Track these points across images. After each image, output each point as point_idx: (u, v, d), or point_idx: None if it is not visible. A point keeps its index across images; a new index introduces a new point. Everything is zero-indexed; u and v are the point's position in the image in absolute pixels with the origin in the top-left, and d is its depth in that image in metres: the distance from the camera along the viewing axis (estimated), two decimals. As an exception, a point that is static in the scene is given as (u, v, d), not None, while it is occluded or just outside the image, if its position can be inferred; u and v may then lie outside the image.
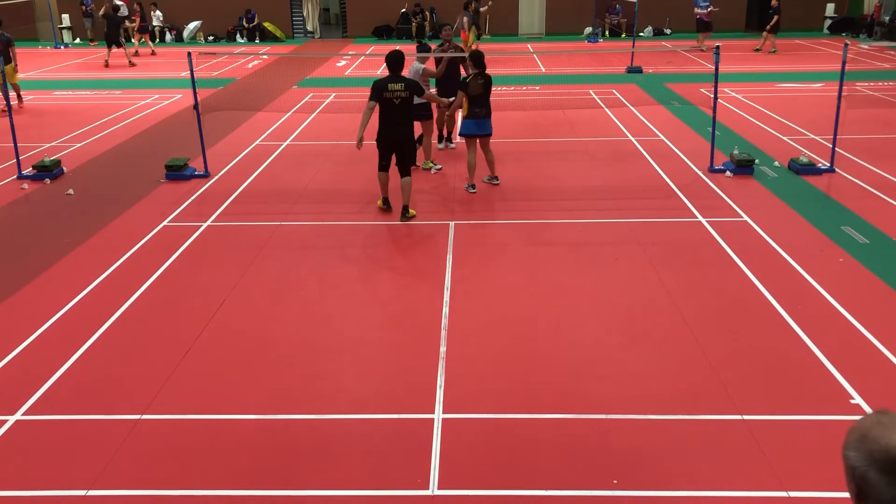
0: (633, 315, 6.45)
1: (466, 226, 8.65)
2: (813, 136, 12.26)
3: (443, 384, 5.41)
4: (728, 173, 10.29)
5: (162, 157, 11.12)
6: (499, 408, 5.14)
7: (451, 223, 8.68)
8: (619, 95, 15.99)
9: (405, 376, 5.58)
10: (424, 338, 6.10)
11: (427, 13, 27.47)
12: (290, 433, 4.95)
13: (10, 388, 5.48)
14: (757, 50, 22.38)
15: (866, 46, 23.28)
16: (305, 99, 16.26)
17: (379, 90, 8.51)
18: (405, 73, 9.29)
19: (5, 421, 5.09)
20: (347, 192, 9.87)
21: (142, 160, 11.58)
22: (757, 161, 10.56)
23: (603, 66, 20.28)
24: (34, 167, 10.72)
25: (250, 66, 21.64)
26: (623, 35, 26.60)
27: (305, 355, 5.91)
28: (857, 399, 5.13)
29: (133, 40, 23.81)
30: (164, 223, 8.82)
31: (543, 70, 20.42)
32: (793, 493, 4.29)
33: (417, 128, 9.76)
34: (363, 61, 22.45)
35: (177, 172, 10.55)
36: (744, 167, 10.30)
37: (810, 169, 10.32)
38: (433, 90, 11.12)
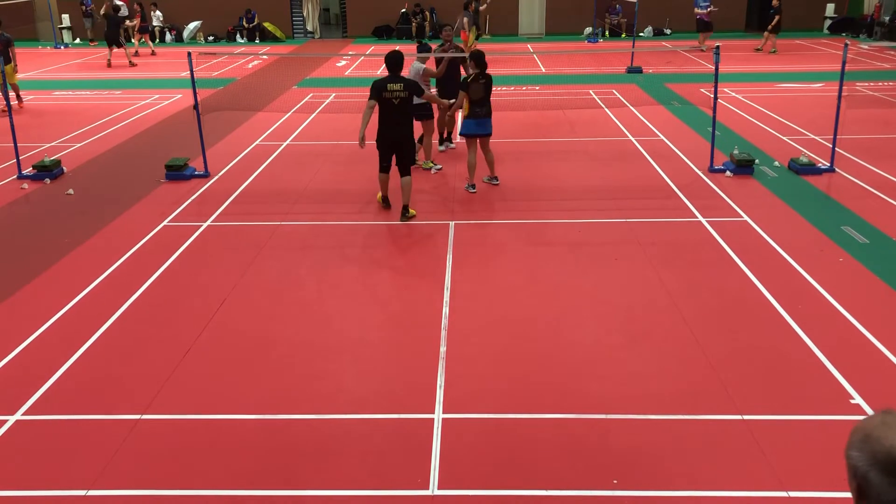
0: (633, 315, 6.45)
1: (466, 226, 8.65)
2: (813, 136, 12.26)
3: (443, 384, 5.41)
4: (728, 173, 10.29)
5: (162, 157, 11.12)
6: (499, 408, 5.14)
7: (451, 223, 8.68)
8: (619, 95, 15.99)
9: (405, 376, 5.58)
10: (424, 338, 6.10)
11: (427, 13, 27.47)
12: (290, 433, 4.95)
13: (10, 388, 5.48)
14: (758, 50, 22.38)
15: (866, 46, 23.28)
16: (305, 99, 16.27)
17: (378, 90, 8.51)
18: (406, 73, 9.29)
19: (5, 421, 5.09)
20: (347, 192, 9.87)
21: (142, 160, 11.58)
22: (757, 161, 10.56)
23: (603, 66, 20.28)
24: (34, 167, 10.72)
25: (250, 66, 21.64)
26: (623, 35, 26.60)
27: (305, 355, 5.91)
28: (857, 399, 5.13)
29: (133, 40, 23.82)
30: (164, 223, 8.82)
31: (543, 70, 20.42)
32: (793, 493, 4.29)
33: (418, 128, 9.78)
34: (363, 61, 22.46)
35: (177, 172, 10.55)
36: (744, 167, 10.30)
37: (810, 169, 10.32)
38: (434, 90, 11.12)
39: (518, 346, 5.97)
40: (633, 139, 12.35)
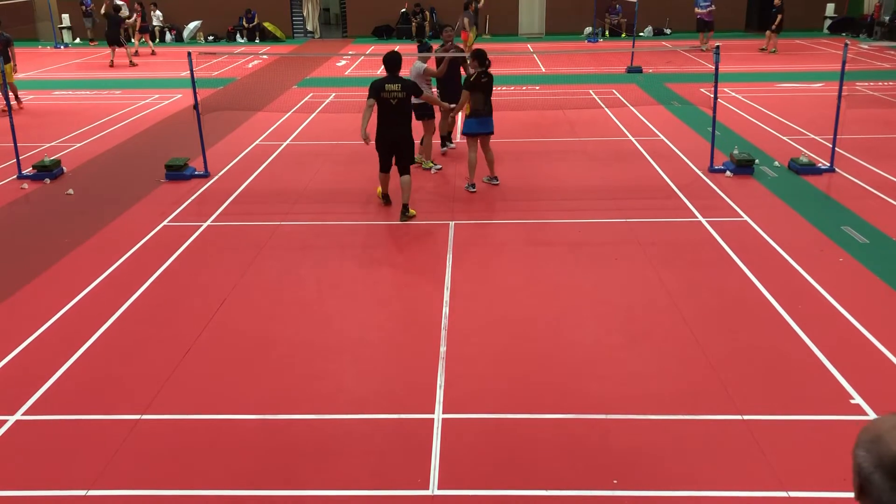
0: (633, 315, 6.45)
1: (466, 225, 8.65)
2: (813, 136, 12.26)
3: (443, 384, 5.41)
4: (728, 173, 10.29)
5: (162, 157, 11.12)
6: (499, 408, 5.14)
7: (451, 223, 8.68)
8: (619, 95, 15.99)
9: (405, 376, 5.58)
10: (424, 338, 6.10)
11: (427, 13, 27.47)
12: (290, 433, 4.95)
13: (10, 388, 5.48)
14: (763, 50, 22.36)
15: (866, 46, 23.28)
16: (305, 99, 16.27)
17: (376, 90, 8.53)
18: (407, 72, 9.30)
19: (5, 421, 5.09)
20: (347, 191, 9.87)
21: (142, 160, 11.58)
22: (757, 161, 10.56)
23: (603, 66, 20.28)
24: (34, 167, 10.72)
25: (250, 66, 21.64)
26: (623, 35, 26.61)
27: (305, 355, 5.91)
28: (857, 399, 5.13)
29: (133, 40, 23.82)
30: (164, 223, 8.82)
31: (543, 70, 20.42)
32: (793, 493, 4.28)
33: (419, 128, 9.78)
34: (363, 61, 22.46)
35: (177, 172, 10.55)
36: (744, 167, 10.30)
37: (810, 169, 10.32)
38: (434, 90, 11.12)
39: (518, 346, 5.97)
40: (632, 139, 12.35)
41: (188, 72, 10.53)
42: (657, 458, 4.61)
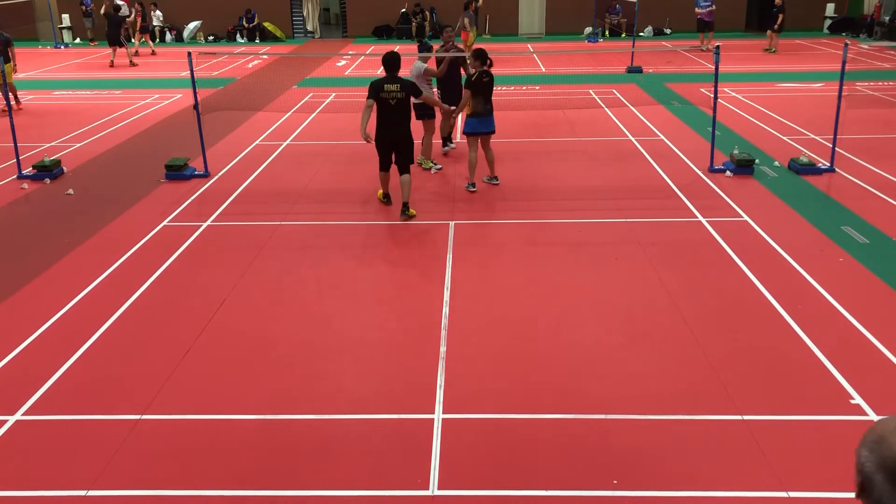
0: (633, 315, 6.45)
1: (466, 225, 8.65)
2: (813, 136, 12.26)
3: (443, 384, 5.41)
4: (728, 173, 10.29)
5: (162, 157, 11.12)
6: (499, 408, 5.14)
7: (451, 223, 8.68)
8: (619, 95, 15.99)
9: (405, 376, 5.58)
10: (424, 338, 6.10)
11: (427, 13, 27.47)
12: (290, 433, 4.95)
13: (10, 388, 5.48)
14: (766, 50, 22.33)
15: (866, 46, 23.28)
16: (305, 99, 16.27)
17: (375, 90, 8.54)
18: (407, 72, 9.30)
19: (5, 421, 5.09)
20: (347, 191, 9.87)
21: (142, 160, 11.58)
22: (757, 161, 10.56)
23: (603, 66, 20.27)
24: (34, 167, 10.72)
25: (250, 66, 21.65)
26: (623, 35, 26.61)
27: (305, 355, 5.91)
28: (857, 399, 5.13)
29: (133, 40, 23.82)
30: (164, 223, 8.82)
31: (543, 70, 20.42)
32: (793, 493, 4.28)
33: (419, 127, 9.77)
34: (363, 61, 22.46)
35: (177, 172, 10.55)
36: (744, 167, 10.30)
37: (810, 169, 10.32)
38: (435, 90, 11.12)
39: (518, 346, 5.97)
40: (632, 139, 12.35)
41: (188, 72, 10.53)
42: (657, 458, 4.61)
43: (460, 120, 11.65)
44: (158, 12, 26.94)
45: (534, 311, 6.53)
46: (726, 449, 4.69)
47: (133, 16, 23.37)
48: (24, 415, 5.16)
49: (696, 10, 22.30)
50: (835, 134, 10.41)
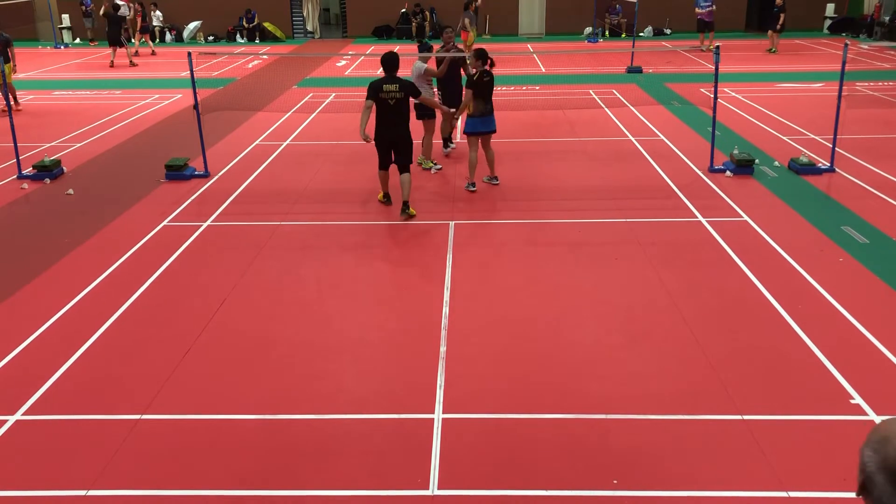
0: (633, 315, 6.45)
1: (467, 225, 8.65)
2: (813, 136, 12.26)
3: (443, 384, 5.41)
4: (728, 173, 10.29)
5: (162, 157, 11.12)
6: (499, 408, 5.14)
7: (452, 223, 8.68)
8: (619, 95, 15.99)
9: (405, 376, 5.58)
10: (424, 338, 6.10)
11: (427, 13, 27.48)
12: (290, 433, 4.95)
13: (10, 388, 5.48)
14: (769, 50, 22.32)
15: (866, 46, 23.28)
16: (305, 99, 16.28)
17: (375, 90, 8.55)
18: (407, 72, 9.31)
19: (5, 421, 5.09)
20: (347, 191, 9.87)
21: (142, 160, 11.58)
22: (757, 161, 10.56)
23: (603, 66, 20.28)
24: (34, 167, 10.73)
25: (250, 66, 21.65)
26: (623, 35, 26.61)
27: (305, 355, 5.91)
28: (857, 399, 5.13)
29: (133, 40, 23.82)
30: (164, 223, 8.82)
31: (543, 70, 20.42)
32: (793, 493, 4.28)
33: (419, 128, 9.77)
34: (363, 61, 22.47)
35: (177, 172, 10.55)
36: (744, 167, 10.30)
37: (810, 169, 10.32)
38: (435, 90, 11.12)
39: (518, 346, 5.97)
40: (632, 139, 12.35)
41: (188, 72, 10.53)
42: (657, 458, 4.61)
43: (460, 120, 11.64)
44: (158, 12, 26.94)
45: (534, 311, 6.53)
46: (726, 449, 4.69)
47: (133, 15, 23.37)
48: (24, 415, 5.16)
49: (696, 10, 22.29)
50: (835, 134, 10.41)
